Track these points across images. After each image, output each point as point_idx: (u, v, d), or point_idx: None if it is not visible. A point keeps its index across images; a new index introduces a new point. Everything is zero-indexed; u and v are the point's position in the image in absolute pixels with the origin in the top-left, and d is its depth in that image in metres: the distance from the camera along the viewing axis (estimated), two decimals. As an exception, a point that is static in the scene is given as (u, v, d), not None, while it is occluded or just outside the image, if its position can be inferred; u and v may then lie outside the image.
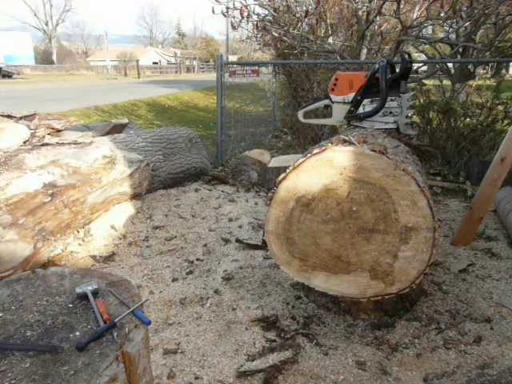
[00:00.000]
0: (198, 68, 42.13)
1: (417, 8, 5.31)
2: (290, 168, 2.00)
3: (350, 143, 1.96)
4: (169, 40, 68.99)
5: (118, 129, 4.55)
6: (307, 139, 6.09)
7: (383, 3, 5.02)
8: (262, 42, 7.19)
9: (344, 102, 2.92)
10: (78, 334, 1.10)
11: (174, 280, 2.68)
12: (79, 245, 2.94)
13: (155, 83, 21.05)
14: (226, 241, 3.24)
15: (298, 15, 5.80)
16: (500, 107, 5.16)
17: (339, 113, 2.96)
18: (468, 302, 2.40)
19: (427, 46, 6.56)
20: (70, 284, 1.32)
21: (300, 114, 3.33)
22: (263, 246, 3.02)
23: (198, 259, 2.97)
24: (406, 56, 2.86)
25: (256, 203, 4.12)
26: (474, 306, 2.36)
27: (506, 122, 5.06)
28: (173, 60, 49.29)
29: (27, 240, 2.38)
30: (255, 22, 5.77)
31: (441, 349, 2.02)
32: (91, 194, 2.95)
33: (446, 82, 6.37)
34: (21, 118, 4.06)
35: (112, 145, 3.61)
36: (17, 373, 0.96)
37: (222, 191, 4.46)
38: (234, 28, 5.79)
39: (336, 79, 2.96)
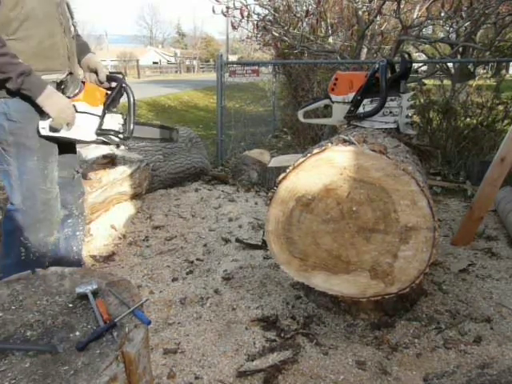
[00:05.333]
0: (198, 68, 42.08)
1: (417, 8, 5.31)
2: (290, 168, 2.00)
3: (350, 143, 1.96)
4: (169, 40, 68.99)
5: (117, 129, 4.55)
6: (307, 139, 6.09)
7: (383, 3, 5.02)
8: (262, 42, 7.18)
9: (344, 102, 2.91)
10: (77, 333, 1.09)
11: (174, 280, 2.68)
12: (79, 245, 2.94)
13: (155, 83, 21.02)
14: (226, 241, 3.24)
15: (298, 15, 5.80)
16: (500, 107, 5.16)
17: (339, 113, 2.96)
18: (468, 301, 2.40)
19: (427, 45, 6.57)
20: (70, 284, 1.32)
21: (300, 114, 3.33)
22: (263, 245, 3.02)
23: (198, 259, 2.97)
24: (406, 56, 2.86)
25: (256, 203, 4.12)
26: (474, 305, 2.36)
27: (506, 121, 5.06)
28: (173, 60, 49.22)
29: (27, 240, 2.37)
30: (255, 22, 5.77)
31: (441, 349, 2.02)
32: (91, 193, 2.95)
33: (446, 82, 6.36)
34: (21, 117, 4.05)
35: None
36: (17, 373, 0.96)
37: (222, 191, 4.46)
38: (234, 28, 5.78)
39: (336, 79, 2.95)
